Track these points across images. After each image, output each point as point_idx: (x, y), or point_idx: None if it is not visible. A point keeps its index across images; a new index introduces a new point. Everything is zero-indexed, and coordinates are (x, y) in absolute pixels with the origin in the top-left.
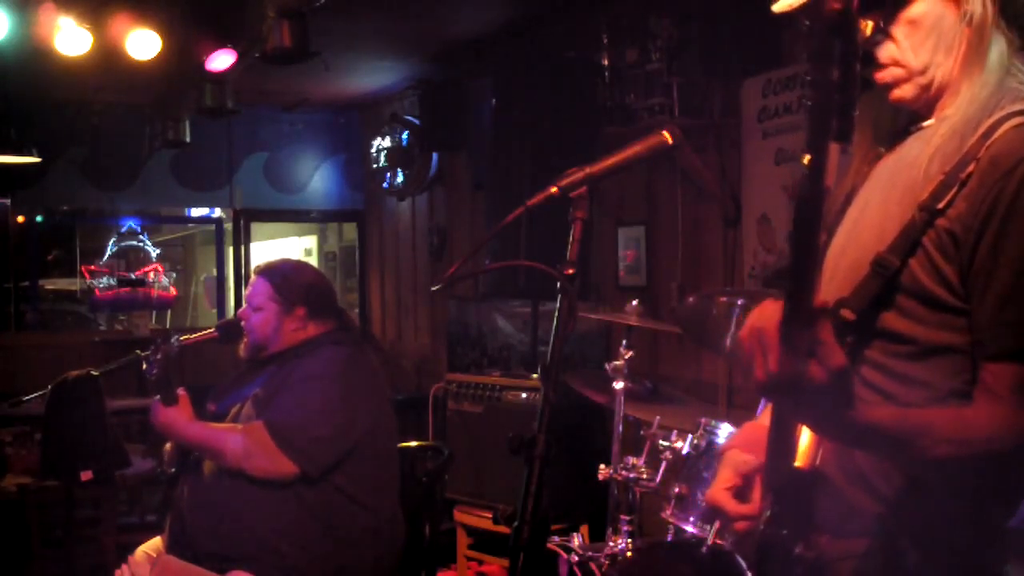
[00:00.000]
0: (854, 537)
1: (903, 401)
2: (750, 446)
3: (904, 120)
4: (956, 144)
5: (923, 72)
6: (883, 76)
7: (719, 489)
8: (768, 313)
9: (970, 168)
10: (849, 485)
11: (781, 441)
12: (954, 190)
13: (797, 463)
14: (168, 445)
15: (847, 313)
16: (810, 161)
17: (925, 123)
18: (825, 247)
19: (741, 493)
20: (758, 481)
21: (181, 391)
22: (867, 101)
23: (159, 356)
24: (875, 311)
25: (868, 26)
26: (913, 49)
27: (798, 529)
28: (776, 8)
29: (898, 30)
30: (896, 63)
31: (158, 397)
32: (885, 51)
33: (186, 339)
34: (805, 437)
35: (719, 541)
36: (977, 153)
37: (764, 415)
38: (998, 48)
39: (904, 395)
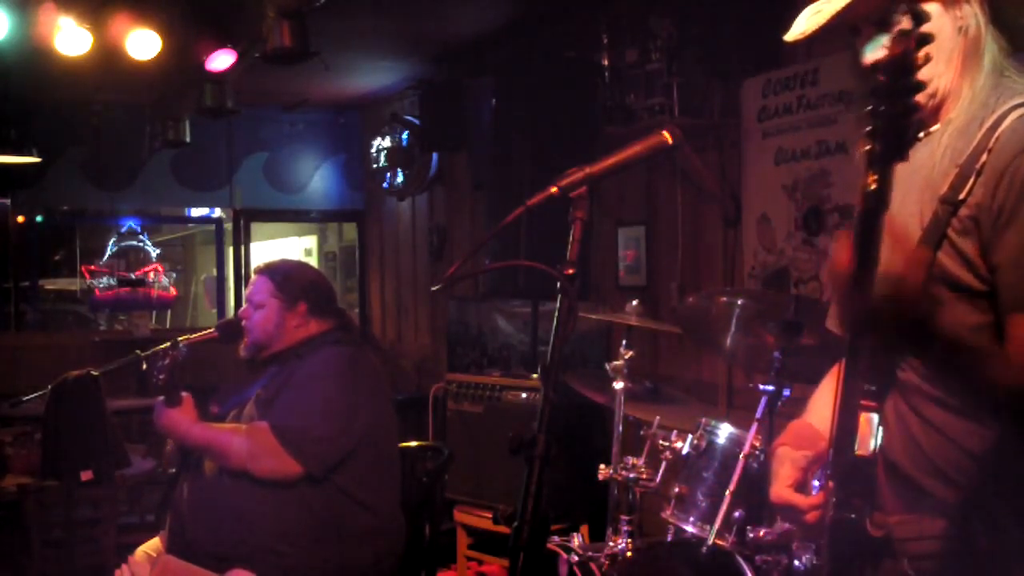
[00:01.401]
0: (926, 517)
1: (946, 382)
2: (800, 442)
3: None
4: (964, 142)
5: (928, 83)
6: None
7: (783, 487)
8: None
9: (983, 159)
10: (917, 470)
11: (844, 431)
12: (972, 180)
13: (858, 450)
14: (169, 445)
15: None
16: (877, 181)
17: (932, 128)
18: None
19: (800, 487)
20: (812, 474)
21: (185, 393)
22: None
23: (167, 362)
24: None
25: (924, 55)
26: None
27: (864, 512)
28: (788, 38)
29: None
30: None
31: (162, 398)
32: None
33: (186, 339)
34: (865, 426)
35: (719, 541)
36: (988, 144)
37: (809, 414)
38: (991, 53)
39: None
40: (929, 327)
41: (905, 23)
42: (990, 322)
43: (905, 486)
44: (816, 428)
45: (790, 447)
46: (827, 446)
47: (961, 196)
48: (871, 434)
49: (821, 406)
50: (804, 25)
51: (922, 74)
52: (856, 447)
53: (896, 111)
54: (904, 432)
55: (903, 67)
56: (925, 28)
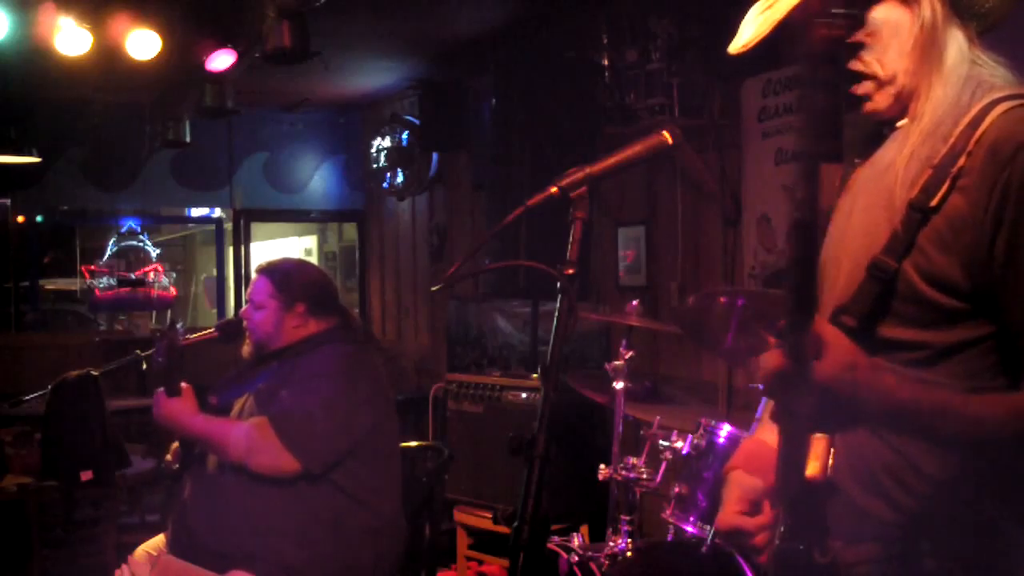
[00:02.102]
0: (868, 542)
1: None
2: (753, 466)
3: (873, 127)
4: (936, 140)
5: (892, 81)
6: (854, 90)
7: (730, 512)
8: (774, 359)
9: (961, 162)
10: (862, 491)
11: (792, 453)
12: (947, 185)
13: (808, 473)
14: (175, 443)
15: (848, 319)
16: (805, 185)
17: (899, 123)
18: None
19: (751, 513)
20: (766, 502)
21: (185, 384)
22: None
23: (165, 343)
24: (876, 317)
25: (861, 40)
26: (878, 60)
27: (812, 540)
28: (732, 50)
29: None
30: (865, 76)
31: (162, 389)
32: (851, 66)
33: (186, 340)
34: (816, 447)
35: (719, 541)
36: (966, 146)
37: (762, 430)
38: (956, 43)
39: None
40: (890, 402)
41: (838, 9)
42: (971, 339)
43: (849, 508)
44: (770, 446)
45: (743, 471)
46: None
47: (933, 203)
48: (822, 456)
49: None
50: (750, 33)
51: (886, 71)
52: (806, 470)
53: (823, 105)
54: (851, 449)
55: (830, 56)
56: (879, 20)
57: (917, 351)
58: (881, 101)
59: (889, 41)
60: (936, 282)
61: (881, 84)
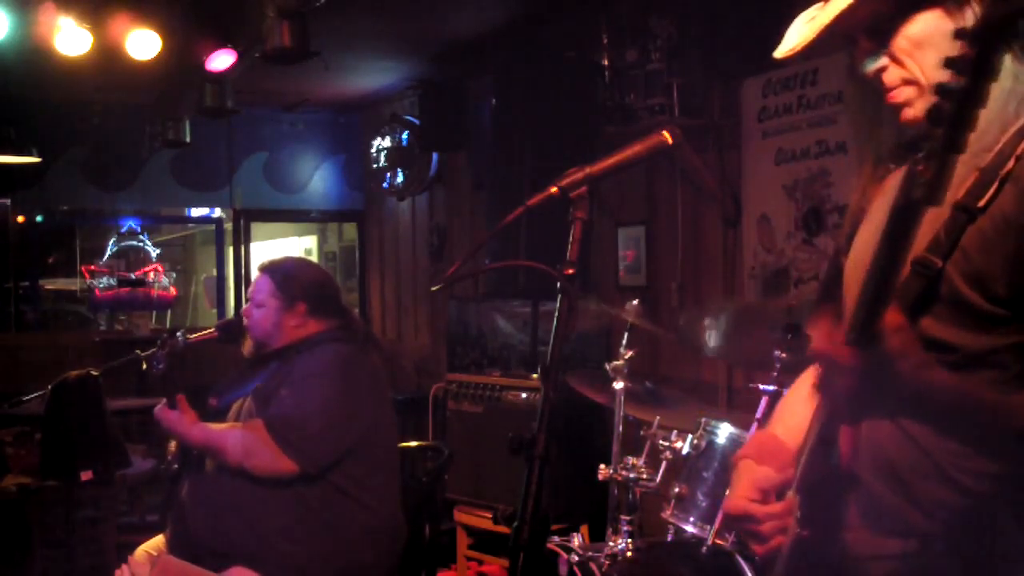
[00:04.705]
0: (883, 536)
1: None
2: (764, 457)
3: (909, 134)
4: (976, 149)
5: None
6: (895, 97)
7: (740, 497)
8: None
9: (1010, 165)
10: (881, 484)
11: (820, 443)
12: (995, 186)
13: (832, 461)
14: (172, 443)
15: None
16: (934, 171)
17: None
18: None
19: (760, 502)
20: (773, 494)
21: (180, 395)
22: (865, 121)
23: (166, 351)
24: (916, 316)
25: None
26: (920, 67)
27: (828, 529)
28: (778, 55)
29: (901, 51)
30: (906, 82)
31: (164, 401)
32: (893, 74)
33: (188, 340)
34: (841, 439)
35: (719, 541)
36: (1016, 151)
37: (774, 423)
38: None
39: None
40: (931, 388)
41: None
42: (1005, 346)
43: (867, 500)
44: (782, 441)
45: (753, 461)
46: (793, 465)
47: (981, 203)
48: (849, 447)
49: (790, 415)
50: (796, 39)
51: (928, 78)
52: (832, 459)
53: (969, 95)
54: (873, 442)
55: (990, 38)
56: (922, 29)
57: (949, 353)
58: (921, 107)
59: (933, 49)
60: (976, 282)
61: (923, 92)
